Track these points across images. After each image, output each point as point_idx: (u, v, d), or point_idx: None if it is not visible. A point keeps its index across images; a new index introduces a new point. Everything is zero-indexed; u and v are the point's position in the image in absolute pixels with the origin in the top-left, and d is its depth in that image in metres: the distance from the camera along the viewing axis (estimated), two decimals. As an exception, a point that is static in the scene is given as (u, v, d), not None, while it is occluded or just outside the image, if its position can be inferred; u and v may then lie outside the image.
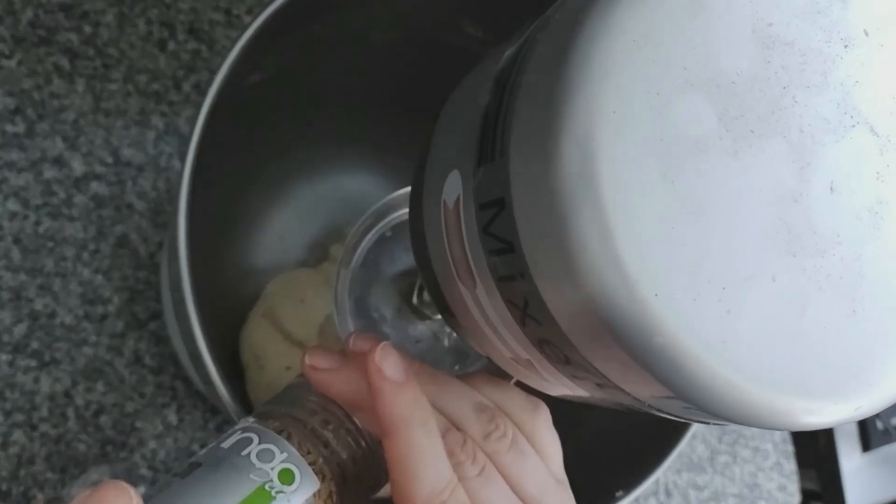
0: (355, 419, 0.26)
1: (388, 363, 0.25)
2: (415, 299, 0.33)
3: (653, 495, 0.58)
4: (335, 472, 0.25)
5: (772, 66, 0.17)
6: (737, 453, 0.63)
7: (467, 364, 0.34)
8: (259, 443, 0.24)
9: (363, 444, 0.26)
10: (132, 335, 0.44)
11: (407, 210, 0.35)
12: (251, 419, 0.25)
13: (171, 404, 0.44)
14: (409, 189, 0.32)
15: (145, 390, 0.44)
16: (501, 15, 0.35)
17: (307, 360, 0.27)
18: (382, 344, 0.25)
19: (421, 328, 0.34)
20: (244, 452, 0.23)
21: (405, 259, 0.35)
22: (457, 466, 0.24)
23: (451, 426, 0.26)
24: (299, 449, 0.24)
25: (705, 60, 0.16)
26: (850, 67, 0.17)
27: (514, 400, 0.27)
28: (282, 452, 0.24)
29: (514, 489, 0.25)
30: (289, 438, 0.24)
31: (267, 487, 0.22)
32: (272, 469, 0.23)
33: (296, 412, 0.26)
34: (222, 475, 0.23)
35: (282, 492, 0.23)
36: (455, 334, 0.28)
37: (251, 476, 0.23)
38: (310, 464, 0.24)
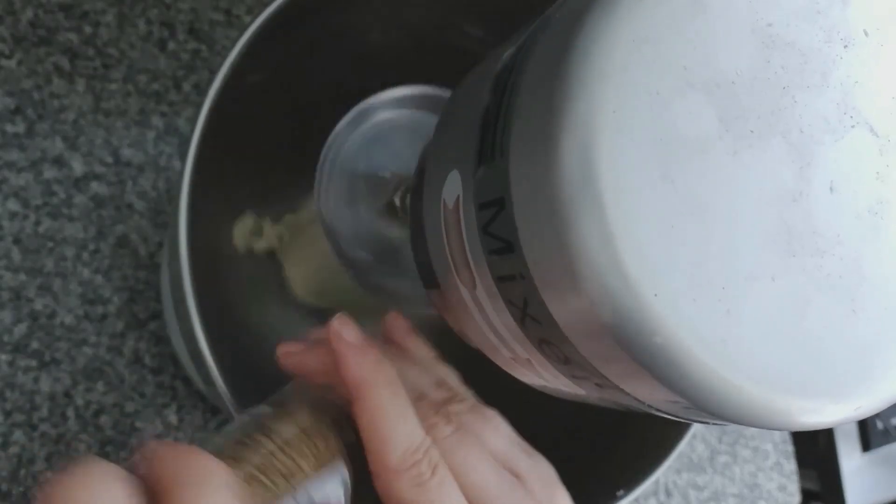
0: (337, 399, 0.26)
1: (346, 328, 0.25)
2: (397, 201, 0.34)
3: (653, 495, 0.58)
4: (346, 457, 0.25)
5: (772, 66, 0.17)
6: (737, 453, 0.63)
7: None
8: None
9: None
10: (132, 335, 0.44)
11: (386, 113, 0.35)
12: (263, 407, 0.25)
13: (171, 404, 0.44)
14: (390, 91, 0.33)
15: (145, 390, 0.44)
16: (501, 15, 0.35)
17: (279, 350, 0.28)
18: (340, 313, 0.26)
19: (397, 232, 0.35)
20: None
21: (387, 162, 0.36)
22: (431, 428, 0.24)
23: (422, 396, 0.26)
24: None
25: (705, 60, 0.16)
26: (849, 67, 0.17)
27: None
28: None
29: (483, 445, 0.26)
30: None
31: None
32: None
33: (293, 413, 0.26)
34: None
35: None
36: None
37: None
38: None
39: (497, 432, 0.27)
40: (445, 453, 0.24)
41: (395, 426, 0.23)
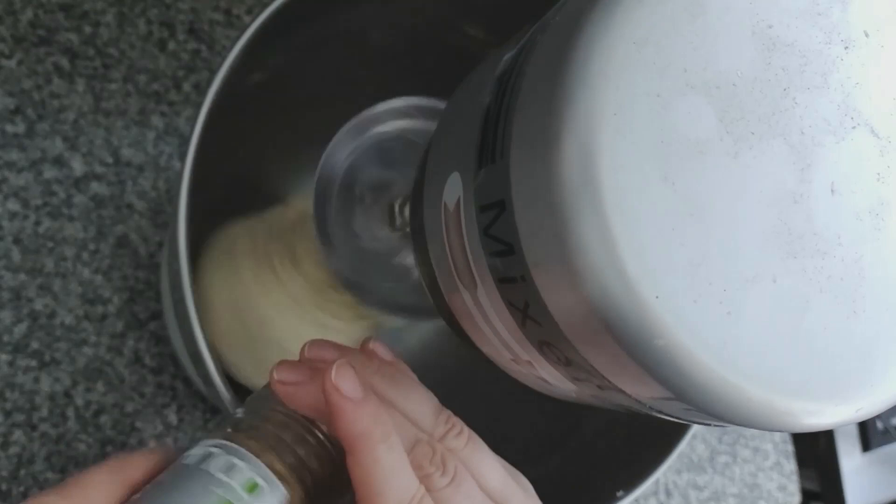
0: (323, 428, 0.26)
1: (345, 381, 0.25)
2: (397, 212, 0.34)
3: (653, 495, 0.58)
4: (305, 479, 0.25)
5: (772, 68, 0.17)
6: (737, 453, 0.63)
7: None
8: (222, 456, 0.24)
9: (332, 452, 0.26)
10: (132, 335, 0.44)
11: (386, 125, 0.35)
12: (217, 435, 0.25)
13: (171, 404, 0.44)
14: (389, 102, 0.32)
15: (145, 390, 0.44)
16: (502, 16, 0.35)
17: (275, 375, 0.27)
18: (338, 362, 0.25)
19: (398, 244, 0.34)
20: (206, 467, 0.23)
21: (386, 174, 0.35)
22: (426, 479, 0.24)
23: (421, 439, 0.26)
24: (264, 460, 0.24)
25: (705, 62, 0.16)
26: (850, 69, 0.17)
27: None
28: (246, 464, 0.23)
29: (479, 485, 0.26)
30: (253, 451, 0.24)
31: (234, 500, 0.22)
32: (236, 482, 0.23)
33: (262, 424, 0.26)
34: (185, 491, 0.22)
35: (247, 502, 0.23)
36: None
37: (215, 490, 0.22)
38: (276, 473, 0.24)
39: (492, 468, 0.27)
40: (443, 503, 0.24)
41: (389, 481, 0.23)
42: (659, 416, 0.19)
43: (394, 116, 0.35)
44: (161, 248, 0.45)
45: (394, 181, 0.35)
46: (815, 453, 0.70)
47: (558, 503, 0.29)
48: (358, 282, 0.36)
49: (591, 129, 0.15)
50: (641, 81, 0.16)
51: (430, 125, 0.35)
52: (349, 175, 0.35)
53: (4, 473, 0.40)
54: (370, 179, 0.35)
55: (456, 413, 0.28)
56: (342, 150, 0.35)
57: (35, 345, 0.42)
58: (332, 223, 0.35)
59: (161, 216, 0.46)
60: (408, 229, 0.34)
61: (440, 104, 0.35)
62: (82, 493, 0.23)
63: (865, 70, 0.17)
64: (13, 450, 0.40)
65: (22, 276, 0.42)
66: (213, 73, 0.30)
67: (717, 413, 0.16)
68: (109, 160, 0.45)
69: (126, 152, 0.45)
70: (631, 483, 0.37)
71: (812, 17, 0.17)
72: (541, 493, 0.28)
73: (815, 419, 0.16)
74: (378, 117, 0.35)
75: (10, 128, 0.43)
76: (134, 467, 0.24)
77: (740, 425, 0.17)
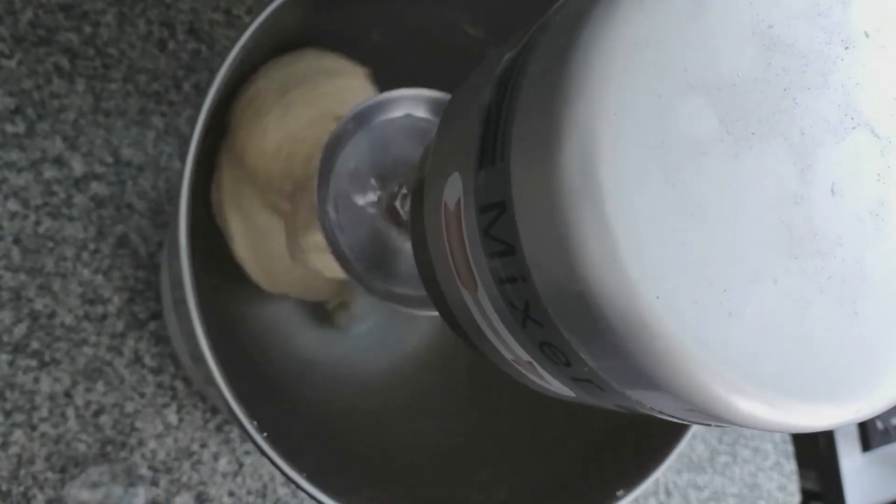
0: None
1: None
2: (399, 206, 0.33)
3: (653, 495, 0.58)
4: None
5: (772, 68, 0.17)
6: (737, 453, 0.63)
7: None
8: None
9: None
10: (132, 335, 0.44)
11: (392, 114, 0.34)
12: None
13: (171, 404, 0.44)
14: (395, 92, 0.32)
15: (145, 390, 0.44)
16: (502, 16, 0.35)
17: None
18: None
19: (398, 237, 0.34)
20: None
21: (390, 165, 0.35)
22: None
23: None
24: None
25: (706, 63, 0.16)
26: (850, 69, 0.17)
27: None
28: None
29: None
30: None
31: None
32: None
33: None
34: None
35: None
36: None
37: None
38: None
39: None
40: None
41: None
42: (659, 416, 0.19)
43: (399, 107, 0.35)
44: (161, 248, 0.45)
45: (398, 172, 0.35)
46: (815, 453, 0.70)
47: (559, 503, 0.29)
48: (365, 279, 0.36)
49: (592, 130, 0.15)
50: (642, 82, 0.16)
51: (437, 117, 0.35)
52: (352, 164, 0.35)
53: (4, 473, 0.40)
54: (373, 168, 0.35)
55: (456, 411, 0.27)
56: (345, 138, 0.35)
57: (35, 345, 0.42)
58: (335, 219, 0.35)
59: (161, 216, 0.46)
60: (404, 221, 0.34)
61: (447, 97, 0.34)
62: None
63: (866, 70, 0.17)
64: (13, 450, 0.40)
65: (22, 276, 0.42)
66: (214, 73, 0.30)
67: (718, 414, 0.16)
68: (109, 160, 0.45)
69: (126, 152, 0.45)
70: (631, 483, 0.37)
71: (812, 18, 0.17)
72: (541, 492, 0.28)
73: (815, 420, 0.16)
74: (383, 106, 0.35)
75: (10, 128, 0.43)
76: None
77: (741, 426, 0.17)
